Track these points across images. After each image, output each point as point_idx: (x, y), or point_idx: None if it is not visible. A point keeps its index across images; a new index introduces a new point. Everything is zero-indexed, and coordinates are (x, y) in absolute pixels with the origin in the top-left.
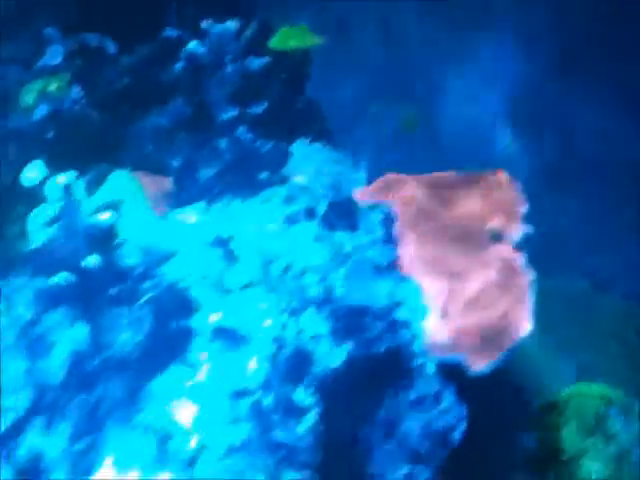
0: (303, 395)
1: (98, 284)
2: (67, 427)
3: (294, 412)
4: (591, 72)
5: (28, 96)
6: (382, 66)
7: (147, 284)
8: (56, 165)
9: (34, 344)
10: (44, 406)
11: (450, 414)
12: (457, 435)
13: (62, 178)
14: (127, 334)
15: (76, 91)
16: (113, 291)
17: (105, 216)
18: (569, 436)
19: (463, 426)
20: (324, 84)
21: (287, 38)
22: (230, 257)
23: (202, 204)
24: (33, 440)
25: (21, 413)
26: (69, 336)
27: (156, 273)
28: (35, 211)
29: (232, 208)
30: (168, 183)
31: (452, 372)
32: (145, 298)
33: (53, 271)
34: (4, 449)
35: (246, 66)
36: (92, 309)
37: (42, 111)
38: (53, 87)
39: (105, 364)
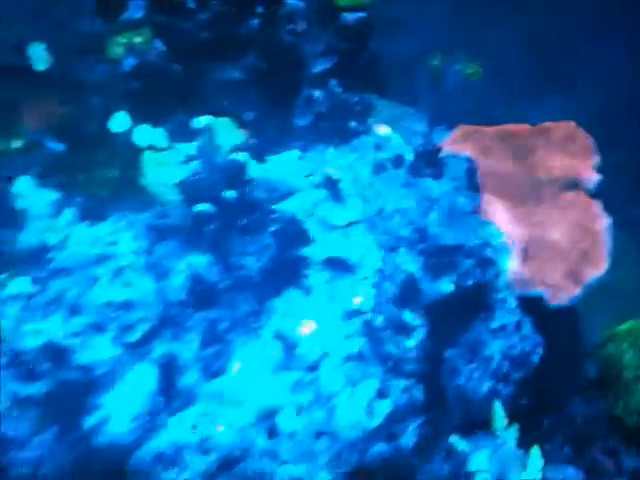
0: (410, 316)
1: (232, 215)
2: (195, 336)
3: (403, 330)
4: None
5: (116, 48)
6: (445, 20)
7: (271, 217)
8: (140, 115)
9: (158, 268)
10: (172, 319)
11: (528, 341)
12: (534, 358)
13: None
14: (253, 259)
15: (158, 44)
16: (243, 222)
17: (239, 155)
18: (627, 363)
19: (540, 351)
20: (388, 39)
21: None
22: (335, 198)
23: (296, 152)
24: (167, 346)
25: (154, 322)
26: (190, 262)
27: (278, 208)
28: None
29: (327, 155)
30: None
31: (531, 305)
32: (272, 229)
33: (197, 201)
34: (143, 352)
35: (342, 21)
36: (220, 238)
37: (130, 63)
38: (139, 40)
39: (233, 284)
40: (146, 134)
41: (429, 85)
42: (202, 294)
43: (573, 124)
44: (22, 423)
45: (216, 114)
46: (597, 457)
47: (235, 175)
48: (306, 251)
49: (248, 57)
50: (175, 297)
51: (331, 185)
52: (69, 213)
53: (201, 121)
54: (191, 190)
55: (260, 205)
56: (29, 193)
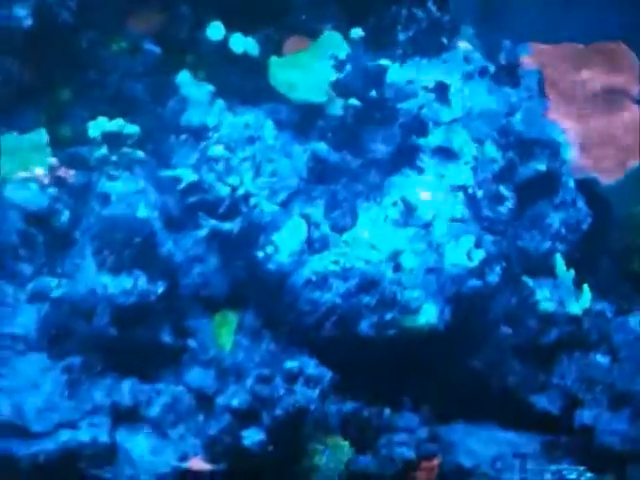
0: (506, 190)
1: (368, 111)
2: (324, 202)
3: (497, 199)
4: None
5: None
6: None
7: (399, 111)
8: (232, 25)
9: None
10: (303, 190)
11: (581, 212)
12: (584, 226)
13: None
14: (382, 146)
15: None
16: (377, 115)
17: (384, 62)
18: None
19: (589, 220)
20: None
21: None
22: (439, 99)
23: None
24: (302, 208)
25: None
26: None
27: (402, 106)
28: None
29: (422, 65)
30: None
31: (585, 186)
32: (399, 122)
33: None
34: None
35: None
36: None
37: None
38: None
39: (364, 163)
40: (240, 42)
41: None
42: (332, 171)
43: (621, 44)
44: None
45: (298, 29)
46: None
47: (374, 78)
48: (421, 141)
49: None
50: (306, 173)
51: (440, 89)
52: (220, 102)
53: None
54: (341, 88)
55: (390, 103)
56: (189, 83)
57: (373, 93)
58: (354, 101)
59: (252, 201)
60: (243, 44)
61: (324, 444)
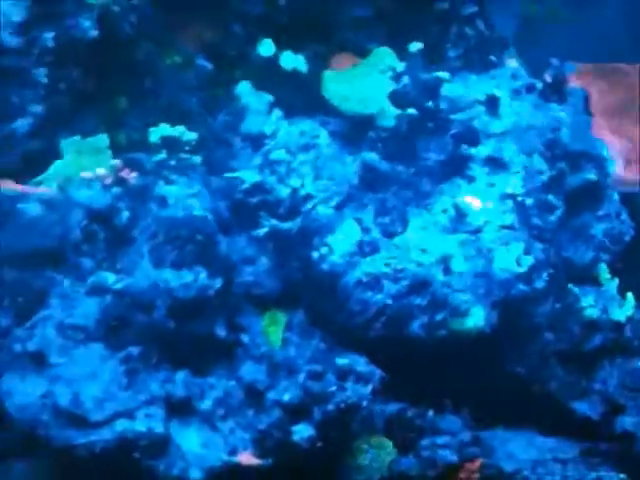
0: (555, 199)
1: (422, 121)
2: (373, 208)
3: (547, 207)
4: None
5: None
6: None
7: (451, 122)
8: (282, 42)
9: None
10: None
11: (624, 224)
12: (627, 237)
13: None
14: (434, 154)
15: None
16: (430, 125)
17: (441, 74)
18: None
19: (631, 232)
20: None
21: None
22: (490, 112)
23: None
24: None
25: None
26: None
27: (454, 117)
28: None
29: (471, 81)
30: None
31: (628, 199)
32: (451, 132)
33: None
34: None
35: None
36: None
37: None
38: None
39: (412, 173)
40: (289, 59)
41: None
42: (382, 179)
43: None
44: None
45: (346, 46)
46: None
47: (430, 89)
48: (472, 151)
49: None
50: (357, 181)
51: (490, 102)
52: (277, 112)
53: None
54: (398, 98)
55: (444, 114)
56: (248, 93)
57: (429, 104)
58: (412, 110)
59: (310, 203)
60: (293, 61)
61: (368, 444)
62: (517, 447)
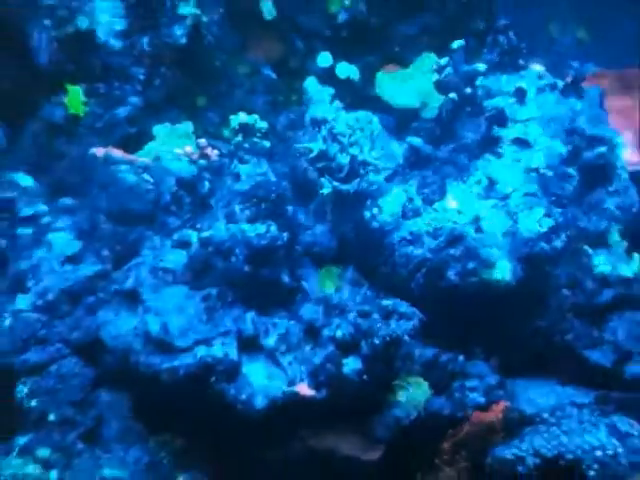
0: (572, 171)
1: (461, 105)
2: (416, 182)
3: (565, 178)
4: None
5: (334, 6)
6: None
7: (485, 107)
8: (339, 55)
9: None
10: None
11: (633, 198)
12: (634, 209)
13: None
14: (470, 134)
15: (361, 4)
16: (468, 109)
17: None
18: None
19: (637, 205)
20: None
21: None
22: (518, 101)
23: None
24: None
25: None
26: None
27: (488, 104)
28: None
29: (503, 79)
30: None
31: (637, 178)
32: (485, 115)
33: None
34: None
35: None
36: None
37: (343, 16)
38: (348, 2)
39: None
40: (344, 69)
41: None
42: (424, 160)
43: None
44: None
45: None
46: None
47: (468, 79)
48: (502, 132)
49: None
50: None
51: (518, 94)
52: (337, 102)
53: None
54: (442, 87)
55: (479, 100)
56: (313, 85)
57: (468, 90)
58: (453, 95)
59: (365, 170)
60: (347, 70)
61: (407, 383)
62: (537, 394)
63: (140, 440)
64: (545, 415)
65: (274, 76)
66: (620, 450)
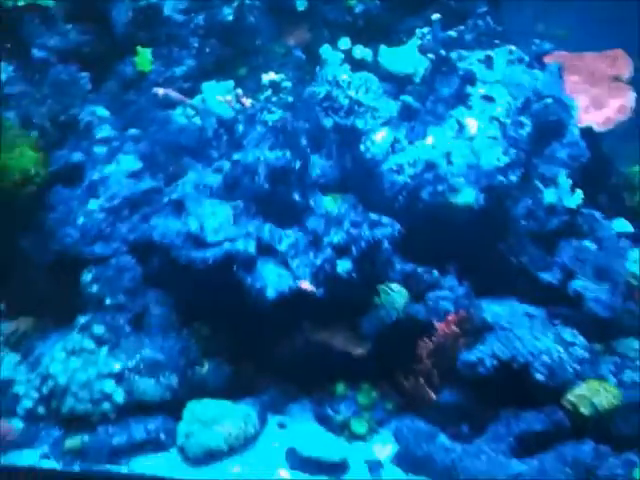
0: (525, 119)
1: (438, 66)
2: (404, 128)
3: (520, 125)
4: None
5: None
6: None
7: (459, 68)
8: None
9: None
10: (394, 121)
11: (582, 149)
12: (584, 159)
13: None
14: (446, 89)
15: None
16: (444, 69)
17: (452, 33)
18: None
19: (587, 154)
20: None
21: None
22: (487, 66)
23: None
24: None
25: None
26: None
27: (461, 65)
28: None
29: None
30: None
31: (586, 134)
32: (459, 74)
33: None
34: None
35: None
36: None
37: (359, 8)
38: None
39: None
40: (359, 51)
41: None
42: (413, 112)
43: (620, 50)
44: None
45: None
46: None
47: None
48: (471, 90)
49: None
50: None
51: (488, 60)
52: (346, 65)
53: None
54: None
55: (453, 62)
56: (327, 52)
57: (442, 52)
58: (431, 55)
59: (361, 109)
60: (362, 52)
61: (390, 288)
62: (498, 306)
63: (175, 329)
64: (503, 322)
65: (303, 57)
66: (565, 357)
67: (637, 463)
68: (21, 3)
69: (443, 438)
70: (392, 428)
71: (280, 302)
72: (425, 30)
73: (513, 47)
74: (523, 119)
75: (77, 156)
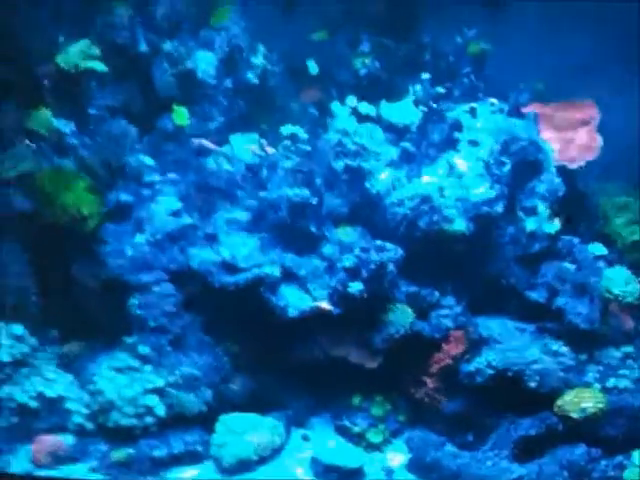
0: (506, 159)
1: (430, 116)
2: (403, 170)
3: (500, 164)
4: None
5: (357, 64)
6: None
7: (448, 118)
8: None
9: None
10: (394, 163)
11: (559, 185)
12: (560, 193)
13: None
14: (437, 136)
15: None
16: (435, 118)
17: (440, 90)
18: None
19: (564, 189)
20: None
21: None
22: (472, 116)
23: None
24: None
25: (389, 162)
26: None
27: (450, 115)
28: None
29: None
30: None
31: (561, 170)
32: (448, 123)
33: None
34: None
35: None
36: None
37: (363, 71)
38: (367, 60)
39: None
40: (365, 107)
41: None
42: (411, 155)
43: (590, 100)
44: None
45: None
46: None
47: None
48: (459, 136)
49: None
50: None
51: (472, 111)
52: (353, 118)
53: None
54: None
55: (443, 112)
56: (337, 107)
57: (433, 105)
58: (423, 108)
59: (367, 154)
60: (366, 108)
61: (396, 307)
62: (492, 324)
63: (209, 348)
64: (496, 336)
65: (316, 112)
66: (553, 366)
67: (626, 464)
68: (81, 69)
69: (450, 447)
70: (404, 438)
71: (300, 320)
72: (418, 87)
73: (495, 100)
74: (504, 159)
75: (126, 197)
